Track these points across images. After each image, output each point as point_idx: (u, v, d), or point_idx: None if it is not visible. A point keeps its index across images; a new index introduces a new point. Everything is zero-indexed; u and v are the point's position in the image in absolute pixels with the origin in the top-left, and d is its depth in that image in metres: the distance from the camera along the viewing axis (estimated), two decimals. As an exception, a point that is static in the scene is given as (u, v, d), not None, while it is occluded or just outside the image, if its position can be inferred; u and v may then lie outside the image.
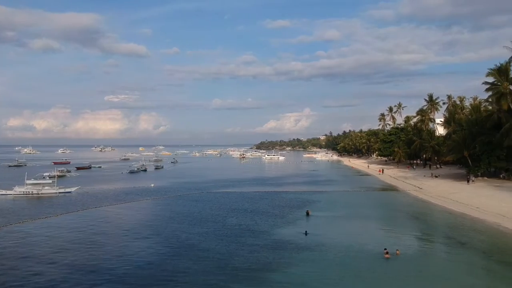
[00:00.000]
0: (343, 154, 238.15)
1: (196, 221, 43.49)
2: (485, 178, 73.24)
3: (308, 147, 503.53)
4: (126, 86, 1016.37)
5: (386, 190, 74.14)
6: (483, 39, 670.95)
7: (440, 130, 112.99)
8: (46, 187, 67.91)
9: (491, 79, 67.28)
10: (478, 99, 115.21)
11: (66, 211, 50.00)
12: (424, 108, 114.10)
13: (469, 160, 74.49)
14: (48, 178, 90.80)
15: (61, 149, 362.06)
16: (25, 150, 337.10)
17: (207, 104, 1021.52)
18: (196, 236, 36.41)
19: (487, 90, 68.68)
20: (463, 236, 36.38)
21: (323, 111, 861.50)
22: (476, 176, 73.14)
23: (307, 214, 46.92)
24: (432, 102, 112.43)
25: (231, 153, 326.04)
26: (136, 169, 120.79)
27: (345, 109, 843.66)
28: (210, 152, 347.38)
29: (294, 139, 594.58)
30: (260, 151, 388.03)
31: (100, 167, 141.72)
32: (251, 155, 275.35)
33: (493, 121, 71.02)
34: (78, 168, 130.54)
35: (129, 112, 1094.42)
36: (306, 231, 36.88)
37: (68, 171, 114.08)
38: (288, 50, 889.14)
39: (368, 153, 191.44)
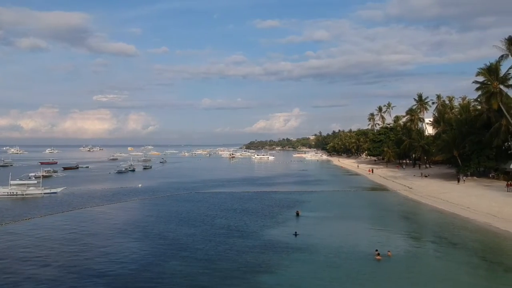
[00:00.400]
0: (333, 154, 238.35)
1: (184, 222, 42.65)
2: (475, 177, 73.33)
3: (297, 147, 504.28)
4: (115, 85, 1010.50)
5: (376, 189, 73.89)
6: (471, 39, 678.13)
7: (429, 130, 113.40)
8: (31, 188, 66.45)
9: (481, 79, 67.19)
10: (466, 98, 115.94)
11: (51, 212, 48.81)
12: (414, 107, 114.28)
13: (459, 160, 74.54)
14: (34, 178, 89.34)
15: (48, 149, 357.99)
16: (12, 150, 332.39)
17: (196, 104, 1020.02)
18: (183, 237, 35.57)
19: (477, 89, 68.60)
20: (455, 236, 36.02)
21: (312, 111, 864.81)
22: (466, 175, 73.20)
23: (297, 214, 46.31)
24: (421, 101, 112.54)
25: (220, 153, 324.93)
26: (124, 169, 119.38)
27: (334, 109, 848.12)
28: (199, 152, 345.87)
29: (283, 139, 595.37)
30: (250, 151, 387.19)
31: (88, 167, 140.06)
32: (241, 155, 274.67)
33: (482, 120, 71.16)
34: (65, 168, 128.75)
35: (118, 112, 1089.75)
36: (295, 232, 36.23)
37: (55, 171, 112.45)
38: (278, 50, 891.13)
39: (357, 153, 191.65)
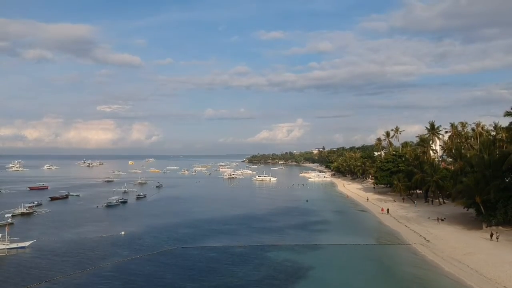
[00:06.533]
0: (337, 175, 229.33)
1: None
2: (500, 227, 64.51)
3: (300, 161, 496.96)
4: (119, 96, 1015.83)
5: (389, 243, 63.99)
6: (474, 51, 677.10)
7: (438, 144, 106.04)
8: (-6, 242, 57.59)
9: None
10: (481, 124, 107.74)
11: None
12: (426, 136, 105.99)
13: (482, 207, 65.91)
14: (10, 219, 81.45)
15: (47, 165, 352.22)
16: (13, 167, 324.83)
17: (199, 114, 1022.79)
18: None
19: (507, 130, 59.92)
20: None
21: (315, 121, 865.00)
22: (490, 225, 64.71)
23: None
24: (433, 130, 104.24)
25: (221, 169, 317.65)
26: (114, 201, 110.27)
27: (337, 119, 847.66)
28: (199, 168, 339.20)
29: (286, 152, 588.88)
30: (252, 166, 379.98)
31: (78, 195, 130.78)
32: (242, 173, 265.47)
33: (509, 163, 62.64)
34: (52, 199, 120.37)
35: (121, 122, 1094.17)
36: None
37: (39, 205, 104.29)
38: (281, 62, 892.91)
39: (363, 176, 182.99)
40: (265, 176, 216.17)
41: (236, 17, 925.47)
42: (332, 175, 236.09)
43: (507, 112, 58.87)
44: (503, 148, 75.57)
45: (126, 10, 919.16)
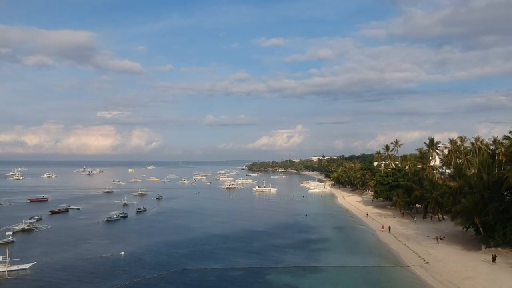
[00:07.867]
0: (337, 186, 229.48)
1: None
2: (499, 248, 64.79)
3: (300, 169, 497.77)
4: (119, 102, 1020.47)
5: (389, 266, 62.95)
6: (474, 58, 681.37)
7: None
8: (-5, 264, 57.35)
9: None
10: (480, 139, 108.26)
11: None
12: (424, 150, 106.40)
13: (481, 229, 66.20)
14: (11, 236, 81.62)
15: (47, 174, 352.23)
16: (13, 175, 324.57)
17: (200, 120, 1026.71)
18: None
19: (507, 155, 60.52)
20: None
21: (315, 127, 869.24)
22: (488, 246, 64.92)
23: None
24: (432, 146, 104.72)
25: (220, 178, 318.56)
26: (115, 216, 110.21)
27: (337, 126, 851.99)
28: (199, 177, 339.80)
29: (286, 160, 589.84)
30: (252, 174, 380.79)
31: (79, 209, 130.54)
32: (241, 183, 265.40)
33: (508, 184, 63.03)
34: (53, 212, 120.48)
35: (121, 128, 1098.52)
36: None
37: (40, 219, 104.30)
38: (281, 68, 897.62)
39: (363, 188, 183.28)
40: (265, 187, 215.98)
41: (237, 24, 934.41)
42: (332, 185, 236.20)
43: (505, 136, 59.51)
44: (502, 163, 76.16)
45: (127, 17, 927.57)
